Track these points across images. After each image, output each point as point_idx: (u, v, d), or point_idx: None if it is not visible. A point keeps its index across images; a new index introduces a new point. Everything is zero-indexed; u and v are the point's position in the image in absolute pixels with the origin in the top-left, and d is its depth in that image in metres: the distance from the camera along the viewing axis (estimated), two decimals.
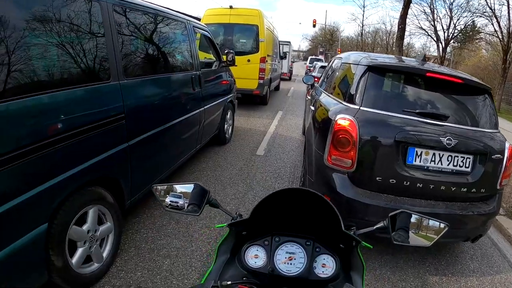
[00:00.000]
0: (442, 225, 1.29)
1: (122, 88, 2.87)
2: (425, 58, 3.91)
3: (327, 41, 63.09)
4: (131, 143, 2.99)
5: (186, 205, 1.31)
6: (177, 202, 1.32)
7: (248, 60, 10.35)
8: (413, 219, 1.25)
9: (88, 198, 2.52)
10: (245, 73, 10.18)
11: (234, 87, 6.98)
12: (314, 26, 39.79)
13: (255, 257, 1.24)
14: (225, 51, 6.35)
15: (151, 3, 3.70)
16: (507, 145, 3.23)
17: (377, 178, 3.05)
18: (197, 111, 4.69)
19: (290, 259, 1.22)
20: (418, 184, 3.03)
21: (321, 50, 56.55)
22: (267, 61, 11.01)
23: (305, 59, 77.08)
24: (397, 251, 3.63)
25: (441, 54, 29.22)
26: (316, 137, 3.66)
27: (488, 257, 3.83)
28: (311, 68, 24.07)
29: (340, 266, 1.23)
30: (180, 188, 1.33)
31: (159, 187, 1.35)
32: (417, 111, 3.11)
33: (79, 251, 2.49)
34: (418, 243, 1.26)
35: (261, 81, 10.62)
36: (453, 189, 3.10)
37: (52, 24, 2.21)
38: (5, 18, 1.85)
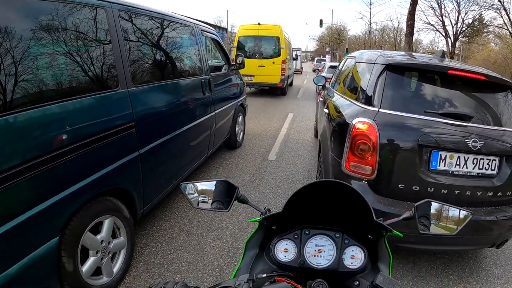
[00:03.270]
0: (465, 213, 1.28)
1: (131, 95, 2.78)
2: (444, 55, 3.71)
3: (334, 41, 62.26)
4: (142, 151, 2.90)
5: (214, 201, 1.31)
6: (205, 199, 1.32)
7: (273, 62, 14.14)
8: (436, 208, 1.28)
9: (103, 208, 2.47)
10: (271, 72, 14.17)
11: (244, 89, 6.87)
12: (321, 25, 39.01)
13: (284, 251, 1.24)
14: (236, 55, 6.30)
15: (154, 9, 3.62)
16: None
17: (399, 185, 2.86)
18: (208, 115, 4.59)
19: (319, 251, 1.23)
20: (443, 190, 2.84)
21: (327, 49, 55.52)
22: (286, 62, 14.63)
23: (313, 59, 77.87)
24: (419, 259, 3.48)
25: (450, 49, 29.14)
26: (332, 143, 3.45)
27: None
28: (320, 68, 24.81)
29: (369, 258, 1.23)
30: (208, 185, 1.33)
31: (187, 184, 1.34)
32: (440, 111, 2.90)
33: (90, 260, 2.42)
34: (442, 232, 1.27)
35: (283, 77, 14.41)
36: (478, 193, 2.90)
37: (58, 33, 2.15)
38: (10, 28, 1.80)
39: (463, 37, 32.19)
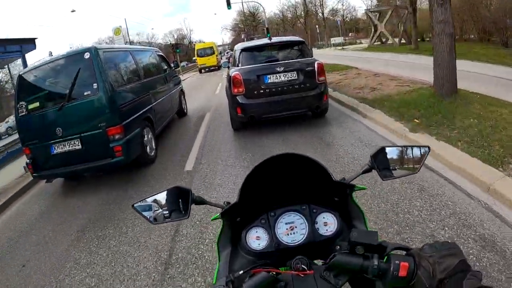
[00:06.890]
0: (423, 150, 1.25)
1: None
2: (271, 38, 7.82)
3: (249, 25, 61.08)
4: (153, 104, 7.30)
5: (172, 211, 1.24)
6: (162, 213, 1.25)
7: (212, 57, 35.74)
8: (394, 154, 1.26)
9: (147, 122, 6.81)
10: (212, 61, 35.84)
11: (180, 81, 11.32)
12: (229, 7, 30.17)
13: (257, 239, 1.21)
14: (172, 61, 11.25)
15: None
16: (316, 62, 6.78)
17: (255, 92, 6.70)
18: (168, 94, 8.96)
19: (291, 228, 1.20)
20: (273, 89, 6.65)
21: (242, 36, 52.22)
22: (217, 56, 37.24)
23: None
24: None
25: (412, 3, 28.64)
26: (228, 86, 7.25)
27: (348, 125, 7.04)
28: (229, 57, 44.28)
29: (342, 220, 1.22)
30: (161, 197, 1.25)
31: (140, 204, 1.26)
32: (265, 61, 7.02)
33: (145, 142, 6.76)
34: (405, 174, 1.27)
35: (218, 62, 35.45)
36: (290, 87, 6.65)
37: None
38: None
39: None
